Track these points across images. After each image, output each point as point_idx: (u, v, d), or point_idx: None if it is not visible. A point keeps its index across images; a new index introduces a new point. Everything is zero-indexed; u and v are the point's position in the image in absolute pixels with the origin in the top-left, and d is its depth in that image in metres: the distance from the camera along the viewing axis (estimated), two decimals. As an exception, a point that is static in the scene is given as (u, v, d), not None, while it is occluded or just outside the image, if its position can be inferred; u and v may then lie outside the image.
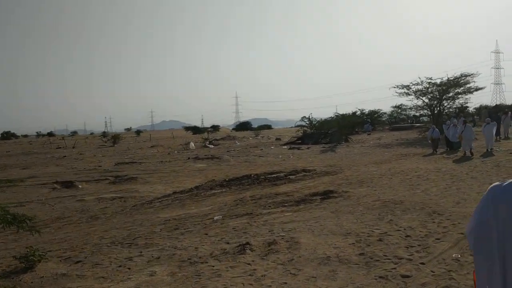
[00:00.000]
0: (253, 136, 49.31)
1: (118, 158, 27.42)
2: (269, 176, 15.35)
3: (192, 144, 37.40)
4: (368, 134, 37.92)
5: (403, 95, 33.25)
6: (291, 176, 15.10)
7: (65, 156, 31.67)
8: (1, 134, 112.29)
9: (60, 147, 48.59)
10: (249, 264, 5.88)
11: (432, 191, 10.35)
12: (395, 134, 35.49)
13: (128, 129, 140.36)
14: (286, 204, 10.17)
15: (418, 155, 19.75)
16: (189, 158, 24.00)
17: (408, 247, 6.12)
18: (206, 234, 7.81)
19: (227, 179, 15.32)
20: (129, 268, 6.04)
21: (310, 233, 7.32)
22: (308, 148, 28.20)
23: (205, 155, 24.84)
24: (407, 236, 6.66)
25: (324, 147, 28.11)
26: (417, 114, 41.85)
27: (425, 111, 34.70)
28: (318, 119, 40.14)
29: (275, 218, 8.73)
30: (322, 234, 7.21)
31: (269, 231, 7.65)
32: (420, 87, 32.06)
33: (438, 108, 32.37)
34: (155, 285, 5.28)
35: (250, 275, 5.43)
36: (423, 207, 8.60)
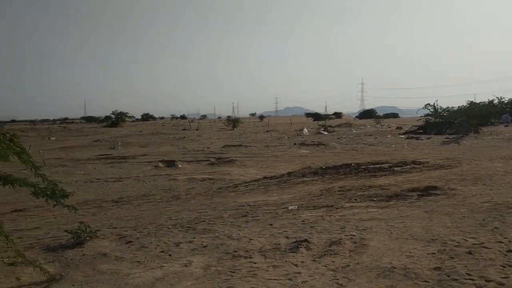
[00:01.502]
0: (372, 124, 46.80)
1: (229, 141, 27.97)
2: (371, 166, 13.96)
3: (305, 130, 36.74)
4: (506, 126, 33.18)
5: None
6: (396, 168, 13.52)
7: (184, 137, 33.40)
8: (141, 115, 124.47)
9: (185, 129, 51.80)
10: (295, 265, 5.02)
11: None
12: (540, 126, 30.48)
13: (253, 114, 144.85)
14: (375, 199, 8.93)
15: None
16: (295, 144, 23.39)
17: (504, 267, 4.66)
18: (271, 225, 7.09)
19: (323, 167, 14.32)
20: (169, 255, 5.60)
21: (386, 235, 6.14)
22: (428, 138, 25.56)
23: (312, 142, 23.96)
24: (509, 251, 5.14)
25: (448, 138, 25.19)
26: None
27: None
28: (446, 108, 36.10)
29: (355, 214, 7.64)
30: (401, 237, 5.98)
31: (340, 228, 6.64)
32: None
33: None
34: (181, 278, 4.74)
35: (289, 279, 4.58)
36: (547, 216, 6.74)
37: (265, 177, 13.00)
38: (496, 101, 42.48)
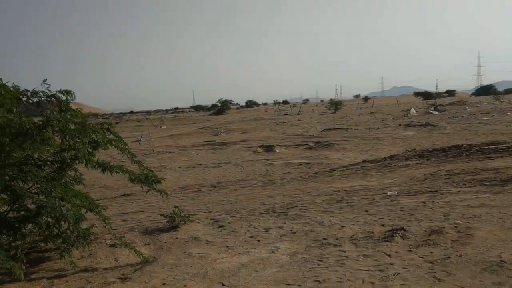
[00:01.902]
0: (490, 101, 42.57)
1: (330, 124, 27.41)
2: (485, 147, 12.62)
3: (413, 110, 34.62)
4: None
5: None
6: (516, 149, 12.07)
7: (284, 122, 33.53)
8: (245, 102, 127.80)
9: (286, 114, 52.01)
10: (388, 255, 4.64)
11: None
12: None
13: (357, 96, 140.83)
14: (487, 183, 8.02)
15: None
16: (399, 125, 22.14)
17: None
18: (366, 211, 6.70)
19: (430, 149, 13.29)
20: (258, 241, 5.55)
21: (498, 224, 5.45)
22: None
23: (419, 122, 22.47)
24: None
25: None
26: None
27: None
28: None
29: (462, 200, 6.91)
30: (516, 227, 5.26)
31: (443, 216, 6.04)
32: None
33: None
34: (266, 264, 4.65)
35: (380, 270, 4.25)
36: None
37: (364, 161, 12.45)
38: None
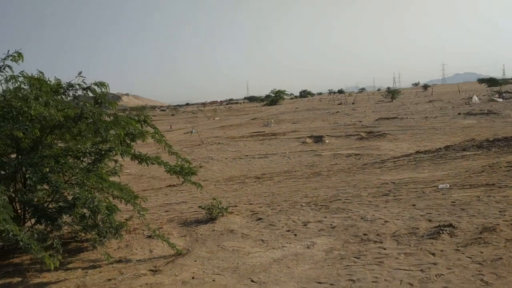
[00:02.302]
0: None
1: (385, 113, 26.46)
2: (555, 137, 11.61)
3: (475, 98, 32.62)
4: None
5: None
6: None
7: (337, 112, 32.78)
8: (300, 92, 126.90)
9: (341, 103, 50.94)
10: (432, 254, 4.30)
11: None
12: None
13: (416, 84, 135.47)
14: (552, 176, 7.32)
15: None
16: (459, 114, 20.93)
17: None
18: (414, 205, 6.31)
19: (491, 139, 12.40)
20: (295, 235, 5.36)
21: (561, 222, 4.91)
22: None
23: (481, 110, 21.13)
24: None
25: None
26: None
27: None
28: None
29: (522, 194, 6.34)
30: None
31: (499, 212, 5.56)
32: None
33: None
34: (299, 261, 4.45)
35: (421, 270, 3.93)
36: None
37: (418, 152, 11.82)
38: None
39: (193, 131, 24.63)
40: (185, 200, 8.38)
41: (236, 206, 7.29)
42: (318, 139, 16.01)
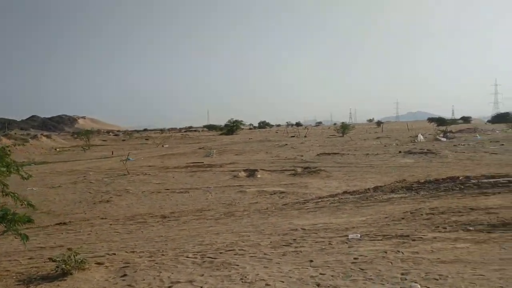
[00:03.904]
0: (504, 129, 40.60)
1: (329, 148, 26.09)
2: (485, 180, 11.18)
3: (420, 136, 33.03)
4: None
5: None
6: (519, 184, 10.60)
7: (286, 145, 32.27)
8: (258, 123, 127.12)
9: (293, 136, 50.76)
10: None
11: None
12: None
13: (370, 120, 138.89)
14: (471, 228, 6.64)
15: None
16: (400, 152, 20.69)
17: None
18: (311, 261, 5.40)
19: (422, 181, 11.88)
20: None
21: (464, 293, 4.09)
22: None
23: (421, 150, 20.99)
24: None
25: None
26: None
27: None
28: None
29: (433, 251, 5.57)
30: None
31: (400, 275, 4.71)
32: None
33: None
34: None
35: None
36: None
37: (345, 192, 11.11)
38: None
39: (129, 158, 23.25)
40: (63, 244, 7.15)
41: (114, 254, 6.17)
42: (252, 173, 15.14)
